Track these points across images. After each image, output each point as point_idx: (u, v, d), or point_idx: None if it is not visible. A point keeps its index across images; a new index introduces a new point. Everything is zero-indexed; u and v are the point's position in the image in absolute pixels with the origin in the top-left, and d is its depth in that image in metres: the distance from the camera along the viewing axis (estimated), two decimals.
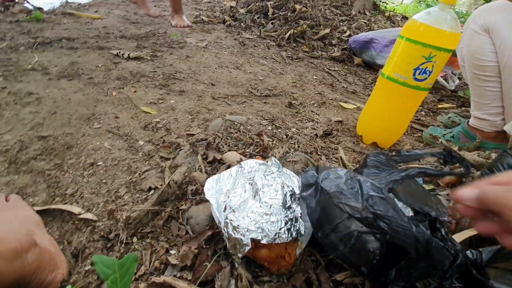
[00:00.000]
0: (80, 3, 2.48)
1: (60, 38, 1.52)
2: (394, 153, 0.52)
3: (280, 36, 2.07)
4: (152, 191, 0.67)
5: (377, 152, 0.51)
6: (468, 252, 0.42)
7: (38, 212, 0.59)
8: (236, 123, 0.96)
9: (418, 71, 0.87)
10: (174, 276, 0.48)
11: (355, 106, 1.34)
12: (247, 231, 0.45)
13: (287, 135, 0.97)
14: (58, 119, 0.88)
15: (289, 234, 0.45)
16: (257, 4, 2.41)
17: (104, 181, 0.70)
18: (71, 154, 0.77)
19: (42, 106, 0.93)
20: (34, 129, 0.83)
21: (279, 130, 1.01)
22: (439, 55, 0.83)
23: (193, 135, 0.89)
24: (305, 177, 0.52)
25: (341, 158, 0.77)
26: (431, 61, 0.85)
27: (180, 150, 0.81)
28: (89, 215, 0.61)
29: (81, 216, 0.61)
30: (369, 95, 1.29)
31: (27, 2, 2.06)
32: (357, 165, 0.85)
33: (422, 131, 1.20)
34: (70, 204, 0.64)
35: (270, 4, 2.37)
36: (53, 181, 0.69)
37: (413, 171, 0.42)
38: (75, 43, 1.49)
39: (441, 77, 1.69)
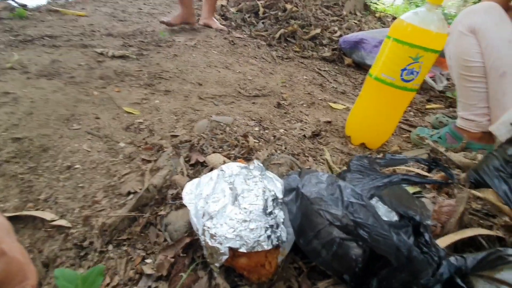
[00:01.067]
0: (67, 0, 2.41)
1: (42, 35, 1.47)
2: (378, 156, 0.50)
3: (271, 36, 2.05)
4: (131, 196, 0.64)
5: (360, 156, 0.50)
6: (452, 259, 0.41)
7: (9, 218, 0.55)
8: (222, 124, 0.94)
9: (405, 72, 0.86)
10: (149, 287, 0.45)
11: (345, 107, 1.34)
12: (224, 239, 0.42)
13: (274, 136, 0.96)
14: (34, 120, 0.84)
15: (269, 242, 0.44)
16: (247, 3, 2.39)
17: (81, 185, 0.67)
18: (47, 157, 0.73)
19: (19, 107, 0.89)
20: (9, 130, 0.79)
21: (267, 131, 0.99)
22: (426, 55, 0.83)
23: (177, 136, 0.86)
24: (288, 182, 0.50)
25: (326, 160, 0.76)
26: (418, 62, 0.84)
27: (163, 152, 0.78)
28: (62, 222, 0.58)
29: (54, 223, 0.58)
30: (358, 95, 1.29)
31: None
32: (344, 167, 0.84)
33: (410, 131, 1.20)
34: (43, 210, 0.61)
35: (261, 3, 2.35)
36: (26, 185, 0.66)
37: (396, 177, 0.41)
38: (58, 40, 1.45)
39: (430, 77, 1.70)
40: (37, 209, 0.60)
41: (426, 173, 0.76)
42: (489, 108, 0.95)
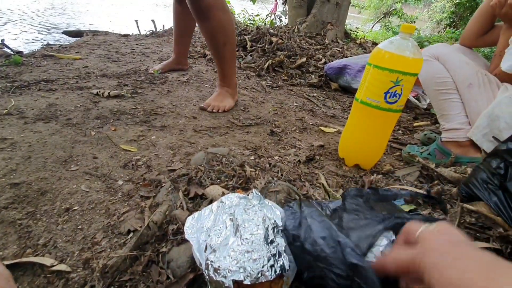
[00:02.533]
0: (61, 45, 2.51)
1: (38, 80, 1.52)
2: (371, 191, 0.53)
3: (259, 67, 2.15)
4: (131, 234, 0.64)
5: (355, 192, 0.53)
6: None
7: (7, 266, 0.55)
8: (218, 155, 0.96)
9: (388, 95, 0.91)
10: None
11: (336, 130, 1.38)
12: (228, 272, 0.43)
13: (270, 164, 0.98)
14: (32, 164, 0.85)
15: (273, 271, 0.44)
16: (235, 38, 2.52)
17: (80, 227, 0.67)
18: (45, 200, 0.73)
19: (16, 151, 0.90)
20: (7, 176, 0.80)
21: (262, 159, 1.01)
22: (405, 79, 0.88)
23: (174, 170, 0.88)
24: (290, 223, 0.51)
25: (322, 185, 0.77)
26: (399, 85, 0.90)
27: (161, 187, 0.79)
28: (62, 267, 0.57)
29: (53, 268, 0.57)
30: (348, 118, 1.34)
31: (6, 46, 2.08)
32: (340, 189, 0.86)
33: (401, 149, 1.23)
34: (42, 255, 0.60)
35: (248, 38, 2.49)
36: (25, 231, 0.65)
37: (390, 222, 0.44)
38: (54, 84, 1.49)
39: (413, 97, 1.78)
40: (36, 255, 0.59)
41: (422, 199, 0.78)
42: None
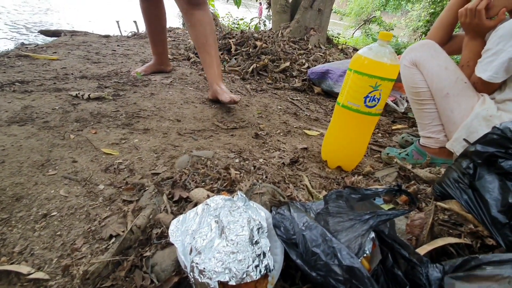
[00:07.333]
0: (37, 45, 2.41)
1: (12, 81, 1.45)
2: (352, 191, 0.55)
3: (244, 70, 2.16)
4: (113, 239, 0.63)
5: (335, 195, 0.55)
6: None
7: None
8: (203, 158, 0.96)
9: (368, 99, 0.95)
10: None
11: (319, 133, 1.41)
12: (213, 273, 0.43)
13: (254, 166, 0.99)
14: (6, 169, 0.81)
15: (258, 271, 0.45)
16: (220, 41, 2.53)
17: (58, 233, 0.64)
18: (20, 206, 0.70)
19: None
20: None
21: (247, 161, 1.02)
22: (383, 84, 0.93)
23: (158, 174, 0.87)
24: (285, 228, 0.53)
25: (306, 186, 0.79)
26: (378, 90, 0.94)
27: (145, 191, 0.78)
28: (40, 274, 0.55)
29: (30, 276, 0.55)
30: (330, 121, 1.37)
31: None
32: (323, 191, 0.88)
33: (380, 151, 1.28)
34: (18, 263, 0.58)
35: (232, 41, 2.50)
36: None
37: (374, 222, 0.46)
38: (30, 86, 1.43)
39: (392, 101, 1.86)
40: (12, 263, 0.57)
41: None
42: (443, 126, 1.06)
